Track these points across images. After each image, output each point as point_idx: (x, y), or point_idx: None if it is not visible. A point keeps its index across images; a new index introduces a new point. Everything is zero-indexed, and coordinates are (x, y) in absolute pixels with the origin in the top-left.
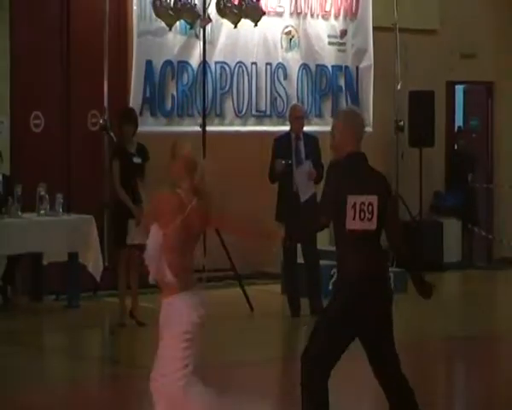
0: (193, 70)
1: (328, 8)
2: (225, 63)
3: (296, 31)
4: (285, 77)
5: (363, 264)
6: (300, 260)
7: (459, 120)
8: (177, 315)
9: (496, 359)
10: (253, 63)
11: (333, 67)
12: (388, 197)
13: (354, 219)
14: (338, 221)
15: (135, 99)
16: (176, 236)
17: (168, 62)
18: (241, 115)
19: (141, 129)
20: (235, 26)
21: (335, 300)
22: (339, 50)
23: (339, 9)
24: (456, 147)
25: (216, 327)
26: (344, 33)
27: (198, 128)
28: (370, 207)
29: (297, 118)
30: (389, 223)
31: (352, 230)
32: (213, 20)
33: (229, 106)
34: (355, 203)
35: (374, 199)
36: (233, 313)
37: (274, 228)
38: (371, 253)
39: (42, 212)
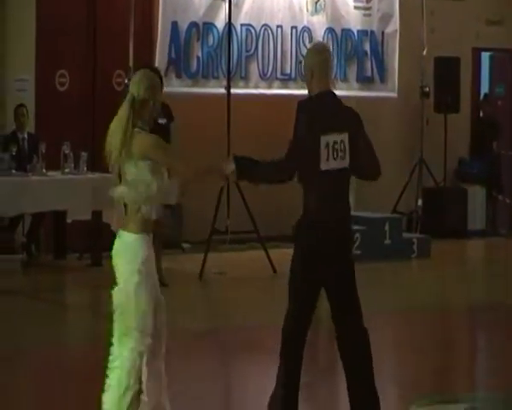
0: (218, 32)
1: None
2: (251, 26)
3: None
4: (310, 40)
5: (333, 208)
6: None
7: (485, 87)
8: None
9: None
10: (278, 26)
11: (358, 31)
12: (359, 132)
13: (328, 159)
14: (312, 164)
15: (160, 60)
16: None
17: (193, 24)
18: (265, 78)
19: (166, 90)
20: None
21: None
22: (364, 15)
23: None
24: (481, 114)
25: (239, 288)
26: None
27: (223, 90)
28: (342, 145)
29: None
30: (364, 156)
31: (327, 170)
32: None
33: (254, 68)
34: (327, 143)
35: (345, 137)
36: (256, 274)
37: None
38: (342, 196)
39: (66, 170)
